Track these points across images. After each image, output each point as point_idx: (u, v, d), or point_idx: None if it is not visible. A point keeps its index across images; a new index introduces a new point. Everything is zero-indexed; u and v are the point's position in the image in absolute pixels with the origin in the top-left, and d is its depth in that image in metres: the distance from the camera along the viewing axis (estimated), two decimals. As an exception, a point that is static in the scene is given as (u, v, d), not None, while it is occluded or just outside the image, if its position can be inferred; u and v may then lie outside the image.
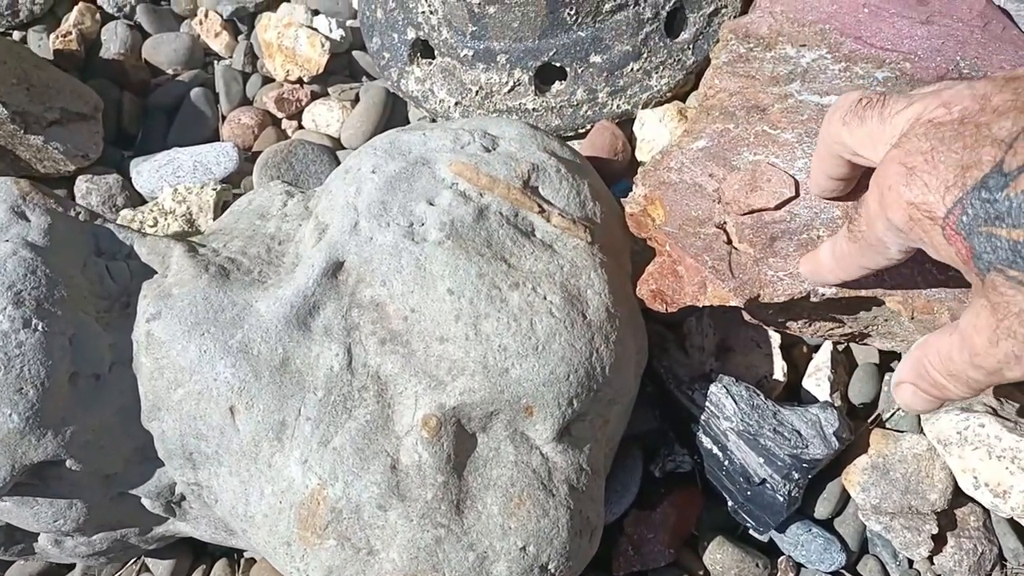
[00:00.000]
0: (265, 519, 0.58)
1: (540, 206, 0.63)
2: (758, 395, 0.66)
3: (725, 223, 0.62)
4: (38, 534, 0.68)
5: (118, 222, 0.77)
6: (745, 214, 0.62)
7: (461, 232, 0.61)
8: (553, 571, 0.58)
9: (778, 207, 0.61)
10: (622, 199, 0.67)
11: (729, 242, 0.61)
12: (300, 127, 0.99)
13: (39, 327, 0.57)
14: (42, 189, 0.65)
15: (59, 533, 0.64)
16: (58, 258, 0.61)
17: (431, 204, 0.62)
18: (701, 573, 0.69)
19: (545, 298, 0.59)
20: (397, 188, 0.63)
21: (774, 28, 0.71)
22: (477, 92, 0.85)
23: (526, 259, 0.61)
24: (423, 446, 0.57)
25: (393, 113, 0.96)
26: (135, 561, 0.78)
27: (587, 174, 0.67)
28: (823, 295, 0.59)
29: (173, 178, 0.92)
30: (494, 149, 0.66)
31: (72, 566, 0.79)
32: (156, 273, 0.64)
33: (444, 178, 0.63)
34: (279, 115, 0.98)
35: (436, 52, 0.87)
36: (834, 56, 0.68)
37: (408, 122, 0.97)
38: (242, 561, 0.77)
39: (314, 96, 0.98)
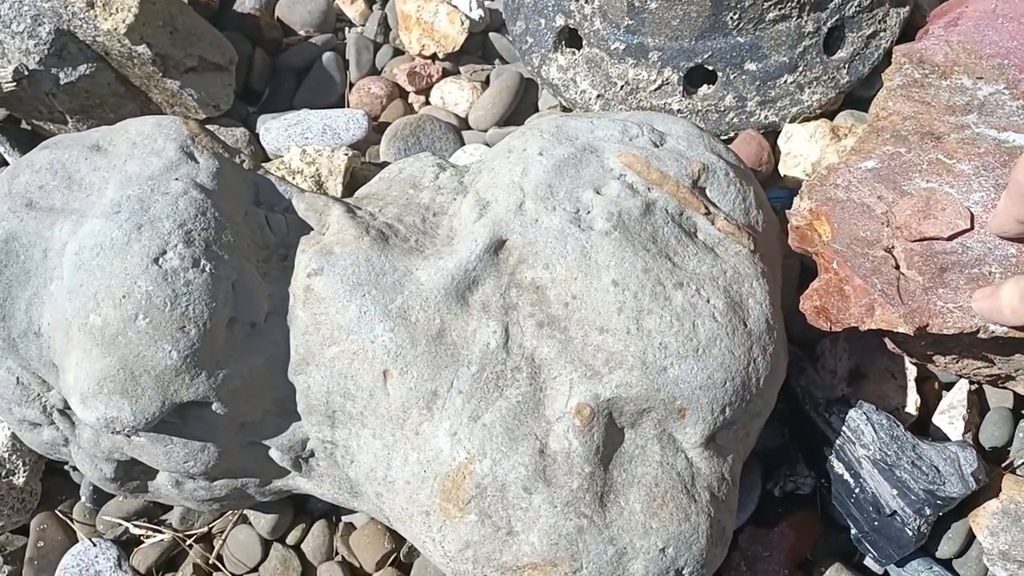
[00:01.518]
0: (407, 485, 0.58)
1: (707, 207, 0.62)
2: (898, 426, 0.65)
3: (893, 247, 0.61)
4: (155, 473, 0.69)
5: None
6: (915, 241, 0.60)
7: (628, 224, 0.60)
8: (686, 576, 0.57)
9: (950, 238, 0.60)
10: (786, 211, 0.66)
11: (897, 267, 0.60)
12: (427, 103, 0.99)
13: (206, 268, 0.57)
14: (209, 132, 0.66)
15: (185, 474, 0.65)
16: (225, 203, 0.61)
17: (598, 193, 0.62)
18: (813, 598, 0.68)
19: (708, 301, 0.58)
20: (564, 173, 0.62)
21: (950, 57, 0.70)
22: (622, 87, 0.85)
23: (689, 260, 0.60)
24: (574, 434, 0.56)
25: (524, 99, 0.96)
26: (234, 512, 0.78)
27: (751, 181, 0.66)
28: (993, 332, 0.57)
29: (301, 139, 0.93)
30: (662, 145, 0.65)
31: (167, 508, 0.80)
32: (312, 230, 0.64)
33: (612, 168, 0.63)
34: (408, 88, 0.98)
35: (584, 42, 0.87)
36: (1012, 93, 0.67)
37: (538, 110, 0.96)
38: (341, 525, 0.78)
39: (445, 73, 0.98)
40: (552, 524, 0.55)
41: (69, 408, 0.66)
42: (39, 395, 0.66)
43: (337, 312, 0.59)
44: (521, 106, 0.96)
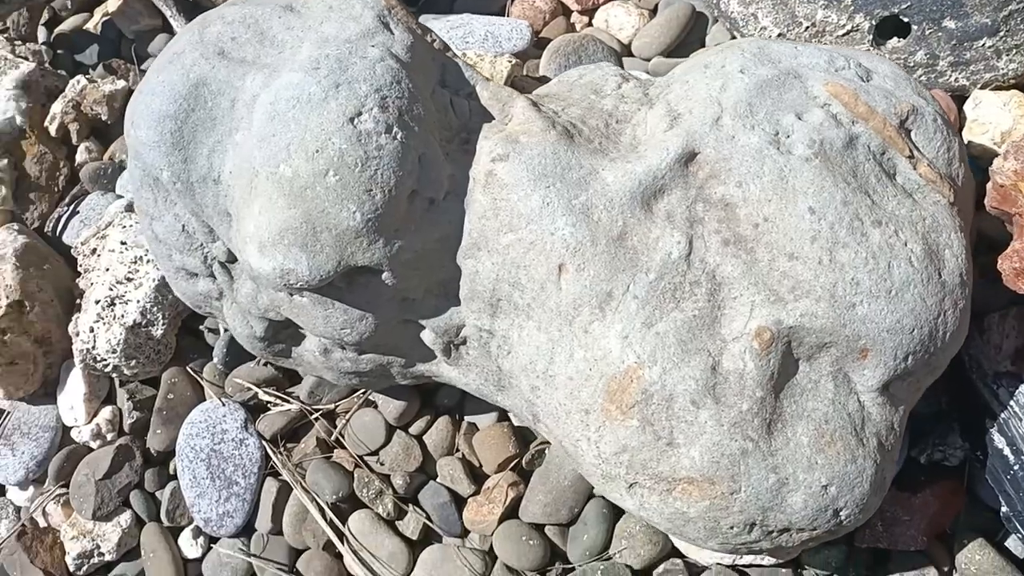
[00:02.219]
0: (568, 382, 0.57)
1: (911, 150, 0.59)
2: (1073, 409, 0.62)
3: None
4: (302, 339, 0.70)
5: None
6: None
7: (829, 154, 0.58)
8: (843, 519, 0.56)
9: None
10: (990, 169, 0.63)
11: (1110, 239, 0.56)
12: (589, 24, 0.96)
13: (398, 136, 0.57)
14: (404, 6, 0.65)
15: (337, 342, 0.65)
16: (416, 77, 0.61)
17: (799, 118, 0.59)
18: (946, 569, 0.66)
19: (906, 244, 0.56)
20: (766, 94, 0.60)
21: None
22: (807, 28, 0.81)
23: (888, 201, 0.57)
24: (750, 356, 0.55)
25: (691, 33, 0.93)
26: (361, 394, 0.79)
27: (956, 132, 0.63)
28: None
29: (461, 43, 0.91)
30: (869, 81, 0.62)
31: (295, 381, 0.81)
32: (493, 119, 0.63)
33: (817, 96, 0.60)
34: (574, 8, 0.96)
35: (773, -24, 0.83)
36: None
37: (704, 45, 0.93)
38: (465, 423, 0.78)
39: (612, -4, 0.96)
40: (716, 442, 0.54)
41: (231, 261, 0.67)
42: (202, 245, 0.67)
43: (519, 200, 0.58)
44: (688, 39, 0.93)
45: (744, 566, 0.71)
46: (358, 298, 0.62)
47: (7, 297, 0.79)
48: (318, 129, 0.56)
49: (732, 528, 0.56)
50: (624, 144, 0.62)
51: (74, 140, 0.95)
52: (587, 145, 0.60)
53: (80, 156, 0.95)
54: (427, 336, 0.65)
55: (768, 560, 0.70)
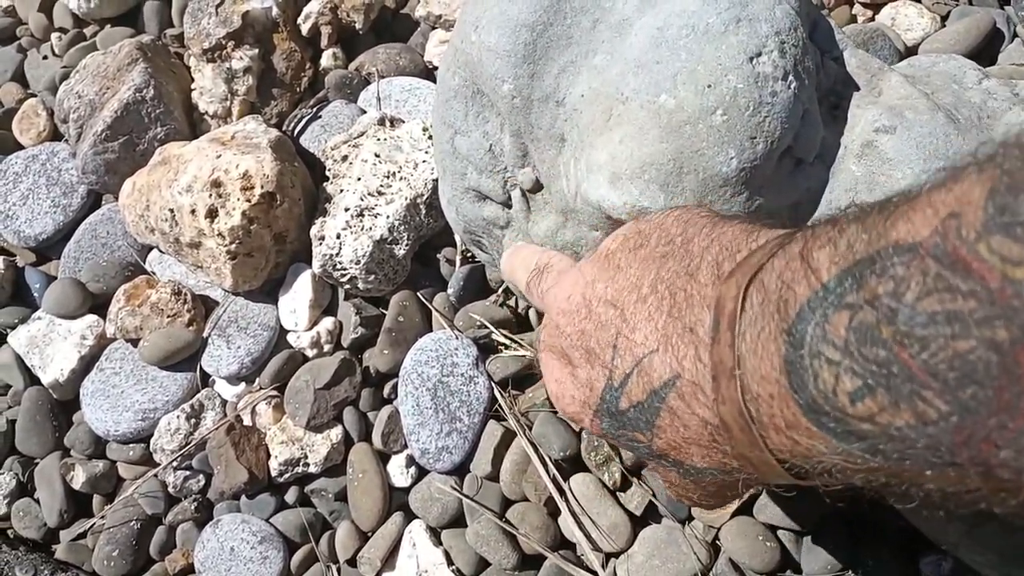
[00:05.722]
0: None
1: None
2: None
3: None
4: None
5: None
6: None
7: None
8: None
9: None
10: None
11: None
12: (872, 19, 0.91)
13: (792, 85, 0.53)
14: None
15: (637, 295, 0.62)
16: (804, 27, 0.56)
17: None
18: None
19: None
20: None
21: None
22: None
23: None
24: None
25: (988, 46, 0.87)
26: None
27: None
28: None
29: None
30: None
31: (529, 328, 0.78)
32: (859, 89, 0.59)
33: None
34: (858, -2, 0.91)
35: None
36: None
37: (994, 62, 0.88)
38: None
39: (906, -7, 0.90)
40: None
41: (534, 191, 0.64)
42: (506, 169, 0.64)
43: (902, 178, 0.54)
44: (983, 52, 0.87)
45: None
46: (685, 251, 0.58)
47: (262, 187, 0.77)
48: (714, 63, 0.52)
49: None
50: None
51: (323, 44, 0.93)
52: (970, 134, 0.56)
53: (326, 61, 0.93)
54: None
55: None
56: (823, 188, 0.56)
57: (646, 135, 0.53)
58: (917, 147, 0.54)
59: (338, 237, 0.78)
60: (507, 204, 0.66)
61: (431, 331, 0.79)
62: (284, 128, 0.90)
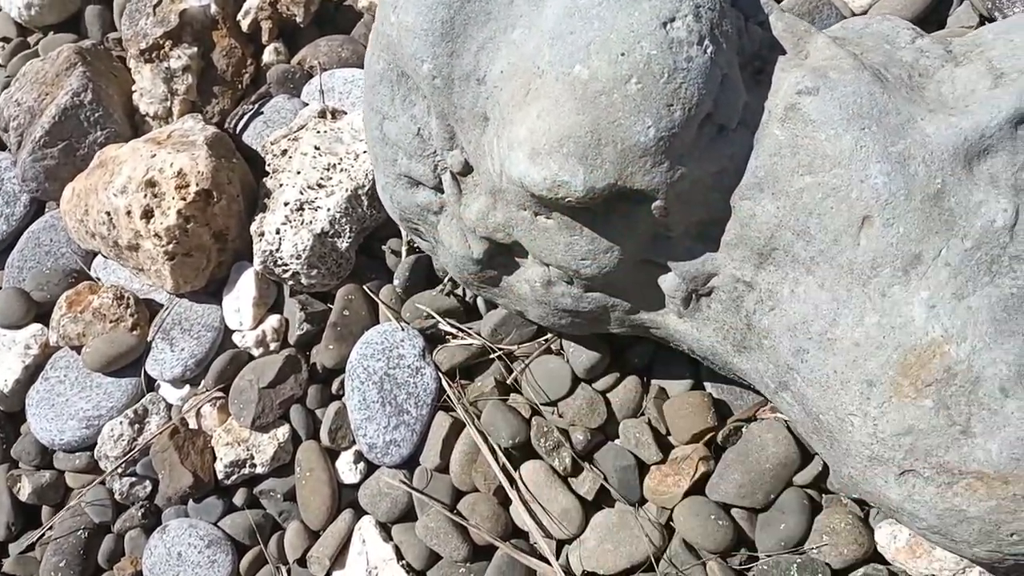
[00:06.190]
0: (854, 348, 0.51)
1: None
2: None
3: None
4: (515, 269, 0.65)
5: None
6: None
7: None
8: None
9: None
10: None
11: None
12: (817, -10, 0.90)
13: (708, 50, 0.51)
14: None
15: (571, 273, 0.60)
16: (720, -6, 0.55)
17: None
18: None
19: None
20: (1112, 62, 0.54)
21: None
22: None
23: None
24: (1078, 347, 0.48)
25: (934, 10, 0.86)
26: (547, 339, 0.74)
27: None
28: None
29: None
30: None
31: (475, 318, 0.77)
32: (785, 53, 0.58)
33: None
34: (803, -31, 0.89)
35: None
36: None
37: (943, 26, 0.86)
38: (655, 387, 0.73)
39: (848, -37, 0.89)
40: (1020, 437, 0.48)
41: (464, 174, 0.62)
42: (436, 152, 0.63)
43: (826, 139, 0.52)
44: (930, 16, 0.86)
45: (962, 584, 0.65)
46: (612, 227, 0.57)
47: (197, 184, 0.76)
48: (627, 30, 0.51)
49: (1013, 535, 0.50)
50: (930, 99, 0.56)
51: (264, 39, 0.92)
52: (898, 92, 0.55)
53: (267, 56, 0.92)
54: (668, 282, 0.60)
55: (992, 581, 0.64)
56: (748, 154, 0.55)
57: (562, 108, 0.52)
58: (840, 107, 0.52)
59: (278, 232, 0.76)
60: (439, 189, 0.65)
61: (379, 324, 0.78)
62: (226, 125, 0.89)
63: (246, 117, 0.88)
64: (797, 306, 0.54)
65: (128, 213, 0.76)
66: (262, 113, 0.88)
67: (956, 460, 0.49)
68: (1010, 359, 0.49)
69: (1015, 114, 0.52)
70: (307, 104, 0.88)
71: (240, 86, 0.91)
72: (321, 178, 0.78)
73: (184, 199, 0.75)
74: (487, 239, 0.63)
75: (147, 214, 0.76)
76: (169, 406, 0.80)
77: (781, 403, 0.60)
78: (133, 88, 0.92)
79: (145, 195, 0.76)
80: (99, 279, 0.86)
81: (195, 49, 0.89)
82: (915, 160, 0.51)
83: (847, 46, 0.60)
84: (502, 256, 0.65)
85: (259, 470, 0.76)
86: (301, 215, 0.77)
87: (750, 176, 0.55)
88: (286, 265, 0.76)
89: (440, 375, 0.75)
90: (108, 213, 0.78)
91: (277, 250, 0.76)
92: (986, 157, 0.52)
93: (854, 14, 0.87)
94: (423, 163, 0.64)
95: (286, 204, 0.77)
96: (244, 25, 0.91)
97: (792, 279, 0.54)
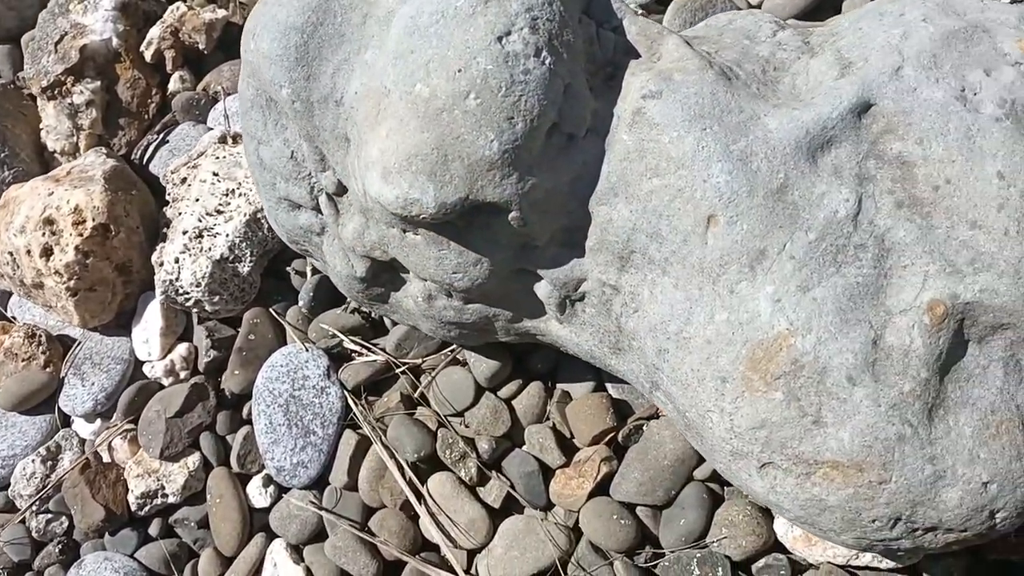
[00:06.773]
0: (706, 345, 0.52)
1: (1110, 121, 0.53)
2: None
3: None
4: (402, 285, 0.66)
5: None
6: None
7: (1022, 117, 0.52)
8: (998, 522, 0.50)
9: None
10: None
11: None
12: (711, -14, 0.91)
13: (546, 61, 0.52)
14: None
15: (447, 287, 0.61)
16: (566, 0, 0.56)
17: (987, 75, 0.53)
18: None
19: (1105, 222, 0.50)
20: (952, 46, 0.54)
21: None
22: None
23: (1084, 173, 0.51)
24: (919, 332, 0.49)
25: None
26: (452, 351, 0.75)
27: None
28: None
29: (577, -6, 0.86)
30: (1062, 43, 0.56)
31: (380, 334, 0.77)
32: (640, 57, 0.58)
33: (1008, 53, 0.54)
34: (696, -34, 0.90)
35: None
36: None
37: (839, 11, 0.87)
38: (558, 391, 0.73)
39: (739, -43, 0.90)
40: (870, 424, 0.49)
41: (339, 194, 0.63)
42: (310, 174, 0.63)
43: (670, 142, 0.53)
44: (823, 4, 0.87)
45: (857, 567, 0.65)
46: (476, 240, 0.57)
47: (93, 219, 0.76)
48: (463, 46, 0.51)
49: (874, 522, 0.51)
50: (783, 93, 0.57)
51: (168, 68, 0.92)
52: (746, 89, 0.55)
53: (173, 85, 0.92)
54: (542, 289, 0.60)
55: (886, 564, 0.65)
56: (600, 161, 0.55)
57: (407, 126, 0.52)
58: (682, 109, 0.53)
59: (176, 261, 0.77)
60: (318, 209, 0.65)
61: (285, 346, 0.78)
62: (133, 156, 0.89)
63: (152, 147, 0.89)
64: (656, 307, 0.55)
65: (28, 252, 0.77)
66: (167, 142, 0.89)
67: (810, 450, 0.50)
68: (856, 348, 0.49)
69: (857, 103, 0.53)
70: (212, 130, 0.88)
71: (147, 116, 0.92)
72: (220, 204, 0.78)
73: (81, 235, 0.76)
74: (367, 257, 0.64)
75: (46, 252, 0.76)
76: (83, 441, 0.80)
77: (658, 402, 0.60)
78: (40, 126, 0.92)
79: (43, 233, 0.76)
80: (14, 318, 0.87)
81: (98, 83, 0.90)
82: (757, 157, 0.52)
83: (704, 45, 0.60)
84: (387, 273, 0.65)
85: (171, 499, 0.76)
86: (200, 242, 0.77)
87: (604, 182, 0.55)
88: (187, 293, 0.77)
89: (346, 393, 0.75)
90: (11, 253, 0.78)
91: (177, 279, 0.76)
92: (830, 148, 0.53)
93: (751, 5, 0.88)
94: (299, 186, 0.64)
95: (184, 232, 0.77)
96: (148, 56, 0.92)
97: (650, 281, 0.55)
